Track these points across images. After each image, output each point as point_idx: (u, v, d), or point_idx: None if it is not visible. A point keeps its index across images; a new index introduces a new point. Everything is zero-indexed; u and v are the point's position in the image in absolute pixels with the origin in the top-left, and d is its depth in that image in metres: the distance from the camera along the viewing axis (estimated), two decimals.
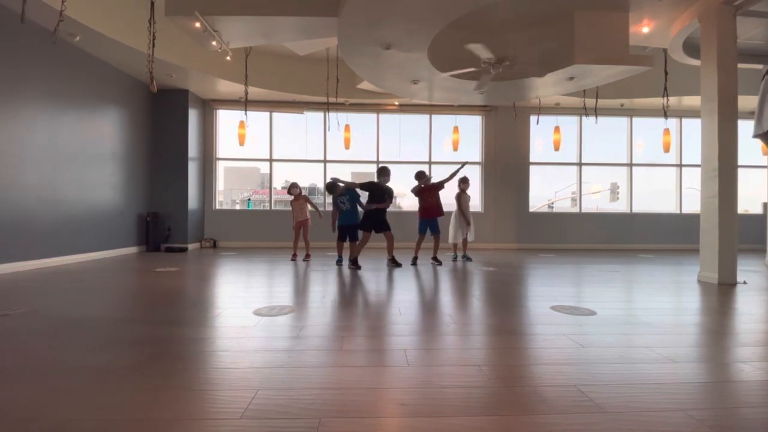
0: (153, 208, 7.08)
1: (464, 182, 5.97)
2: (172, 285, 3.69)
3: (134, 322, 2.42)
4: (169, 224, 7.16)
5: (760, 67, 5.53)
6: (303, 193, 6.05)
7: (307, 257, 5.82)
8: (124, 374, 1.63)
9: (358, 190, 5.31)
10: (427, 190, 5.55)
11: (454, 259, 5.96)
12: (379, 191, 5.12)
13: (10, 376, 1.61)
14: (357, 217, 5.25)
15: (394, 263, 5.13)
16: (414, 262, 5.33)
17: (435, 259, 5.45)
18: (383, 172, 5.19)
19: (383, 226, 5.10)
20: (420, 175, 5.61)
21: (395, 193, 5.41)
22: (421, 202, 5.58)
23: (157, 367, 1.69)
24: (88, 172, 5.58)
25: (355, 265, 4.92)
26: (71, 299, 3.07)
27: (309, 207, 6.00)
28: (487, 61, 4.59)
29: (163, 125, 7.20)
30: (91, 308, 2.78)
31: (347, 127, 7.27)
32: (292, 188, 5.95)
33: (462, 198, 5.94)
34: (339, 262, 5.30)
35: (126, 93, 6.41)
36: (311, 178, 8.35)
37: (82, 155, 5.48)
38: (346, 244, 5.31)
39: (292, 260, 5.70)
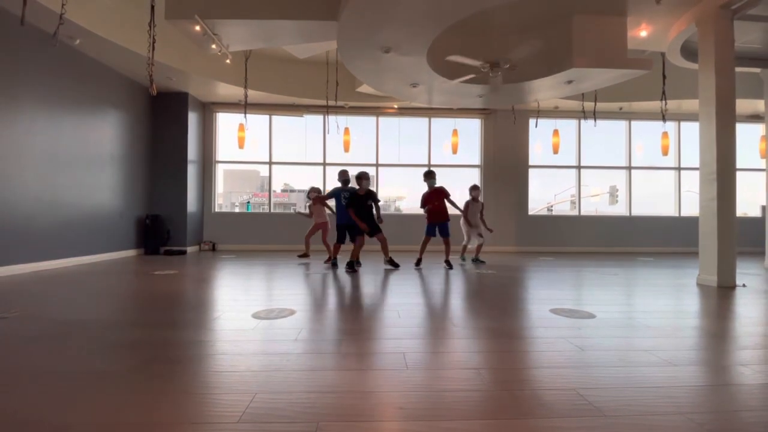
0: (152, 211, 7.07)
1: (475, 189, 5.93)
2: (170, 288, 3.68)
3: (132, 326, 2.41)
4: (169, 227, 7.15)
5: (757, 70, 5.57)
6: (318, 196, 5.96)
7: (328, 260, 5.68)
8: (121, 377, 1.62)
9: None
10: (433, 194, 5.48)
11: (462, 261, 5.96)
12: (359, 199, 5.04)
13: (8, 379, 1.60)
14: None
15: (392, 264, 5.15)
16: (418, 264, 5.32)
17: (447, 262, 5.36)
18: (364, 176, 5.08)
19: (376, 229, 5.10)
20: (429, 175, 5.53)
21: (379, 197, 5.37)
22: (427, 205, 5.43)
23: (155, 371, 1.68)
24: (87, 175, 5.58)
25: (352, 268, 4.89)
26: (69, 302, 3.06)
27: (327, 210, 5.98)
28: (482, 67, 4.61)
29: (163, 128, 7.20)
30: (89, 311, 2.77)
31: (347, 130, 7.27)
32: (311, 192, 5.99)
33: (472, 206, 5.88)
34: (334, 264, 5.33)
35: (126, 96, 6.41)
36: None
37: (82, 158, 5.48)
38: (345, 246, 5.30)
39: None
